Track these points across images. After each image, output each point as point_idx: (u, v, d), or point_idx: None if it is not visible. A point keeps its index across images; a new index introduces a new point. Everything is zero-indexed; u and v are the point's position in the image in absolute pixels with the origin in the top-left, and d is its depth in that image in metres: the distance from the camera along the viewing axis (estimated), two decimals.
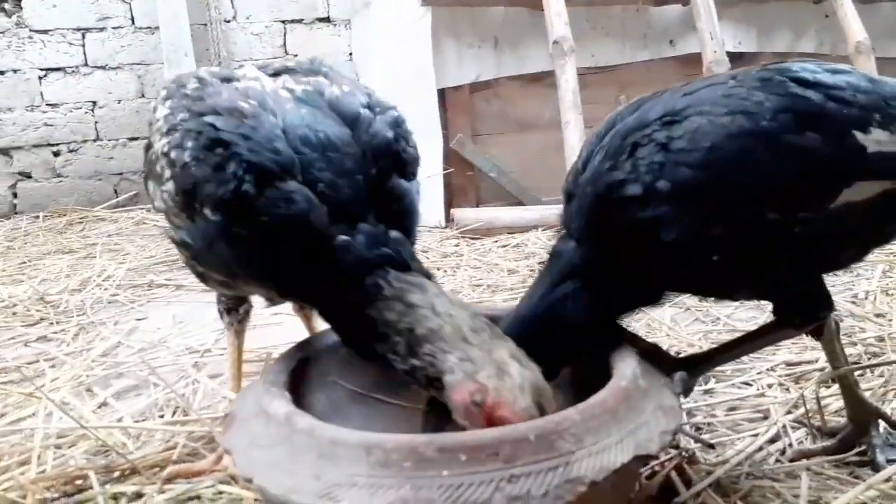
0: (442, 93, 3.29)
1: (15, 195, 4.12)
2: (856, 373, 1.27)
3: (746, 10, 3.49)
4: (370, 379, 1.07)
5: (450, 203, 3.32)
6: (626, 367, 0.90)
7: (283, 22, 4.37)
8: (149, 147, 1.04)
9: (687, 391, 1.10)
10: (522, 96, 3.38)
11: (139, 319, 2.16)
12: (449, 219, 3.17)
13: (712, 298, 1.06)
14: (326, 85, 1.05)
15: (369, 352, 0.92)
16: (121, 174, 4.18)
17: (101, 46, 4.11)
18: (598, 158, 0.96)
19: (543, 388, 0.83)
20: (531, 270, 2.35)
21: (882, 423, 1.18)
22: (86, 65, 4.11)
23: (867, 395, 1.31)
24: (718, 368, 1.56)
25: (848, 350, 1.58)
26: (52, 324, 2.10)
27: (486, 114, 3.40)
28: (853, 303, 1.86)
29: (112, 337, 1.96)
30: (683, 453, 1.14)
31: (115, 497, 1.09)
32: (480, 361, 0.81)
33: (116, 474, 1.15)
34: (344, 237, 0.91)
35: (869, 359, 1.51)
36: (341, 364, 1.06)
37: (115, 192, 4.17)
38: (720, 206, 0.88)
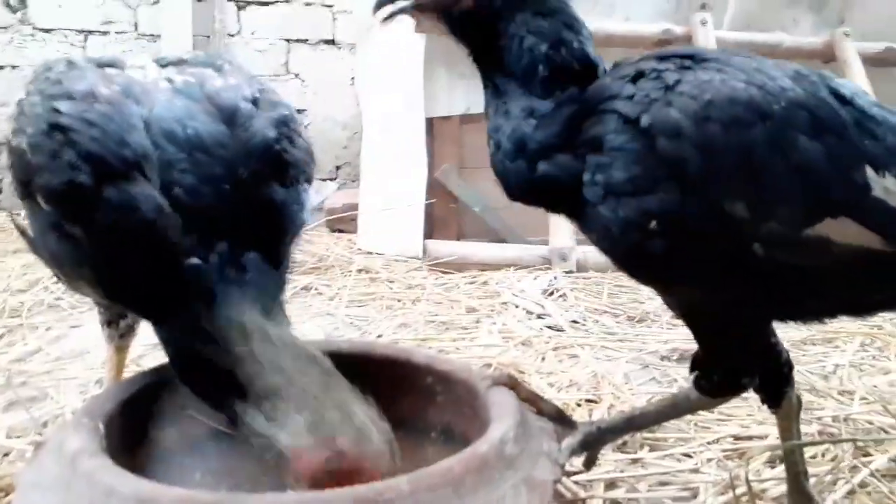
0: (430, 122, 3.20)
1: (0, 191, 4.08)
2: (805, 461, 1.13)
3: None
4: None
5: (429, 235, 3.22)
6: (497, 428, 0.78)
7: (288, 41, 4.35)
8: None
9: (589, 463, 0.98)
10: None
11: (73, 327, 2.05)
12: (425, 251, 3.06)
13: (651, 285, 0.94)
14: (210, 77, 0.95)
15: (203, 392, 0.81)
16: None
17: (103, 49, 4.10)
18: None
19: (393, 441, 0.74)
20: (491, 310, 2.22)
21: None
22: None
23: (812, 480, 1.17)
24: (660, 435, 1.42)
25: (801, 428, 1.44)
26: None
27: (476, 146, 3.30)
28: (823, 377, 1.71)
29: (34, 342, 1.86)
30: None
31: None
32: (336, 424, 0.71)
33: None
34: (194, 259, 0.81)
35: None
36: None
37: None
38: (685, 165, 0.77)
